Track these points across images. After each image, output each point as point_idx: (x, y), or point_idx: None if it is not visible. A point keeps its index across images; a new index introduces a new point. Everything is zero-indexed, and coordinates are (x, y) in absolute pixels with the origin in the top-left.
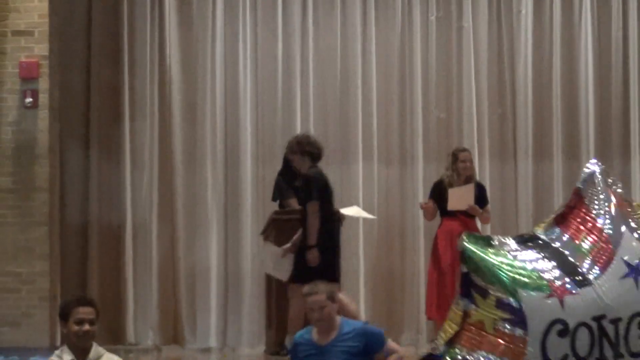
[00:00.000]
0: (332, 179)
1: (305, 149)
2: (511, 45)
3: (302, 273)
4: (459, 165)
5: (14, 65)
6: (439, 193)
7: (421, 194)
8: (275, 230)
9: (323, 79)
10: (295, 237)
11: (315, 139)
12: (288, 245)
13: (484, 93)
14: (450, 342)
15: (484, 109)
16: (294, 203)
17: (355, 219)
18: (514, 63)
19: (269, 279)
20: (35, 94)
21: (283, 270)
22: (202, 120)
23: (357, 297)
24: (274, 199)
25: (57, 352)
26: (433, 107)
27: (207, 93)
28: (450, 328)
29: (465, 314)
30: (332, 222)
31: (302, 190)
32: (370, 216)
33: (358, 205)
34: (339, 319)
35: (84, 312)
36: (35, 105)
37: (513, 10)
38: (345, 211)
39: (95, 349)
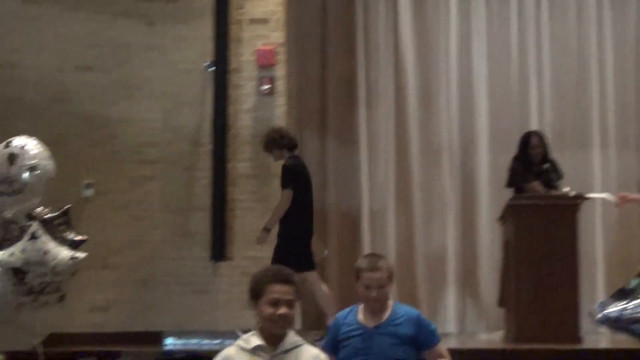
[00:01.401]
0: (569, 165)
1: (281, 143)
2: None
3: (298, 261)
4: None
5: (251, 53)
6: None
7: None
8: (513, 216)
9: (558, 65)
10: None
11: (286, 130)
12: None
13: None
14: None
15: None
16: (537, 187)
17: (592, 205)
18: None
19: (506, 266)
20: (272, 82)
21: None
22: (436, 107)
23: (593, 283)
24: (508, 185)
25: (244, 336)
26: None
27: (441, 80)
28: None
29: None
30: (308, 211)
31: (280, 179)
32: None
33: (592, 191)
34: (391, 301)
35: (282, 291)
36: (272, 92)
37: None
38: (594, 195)
39: (291, 337)
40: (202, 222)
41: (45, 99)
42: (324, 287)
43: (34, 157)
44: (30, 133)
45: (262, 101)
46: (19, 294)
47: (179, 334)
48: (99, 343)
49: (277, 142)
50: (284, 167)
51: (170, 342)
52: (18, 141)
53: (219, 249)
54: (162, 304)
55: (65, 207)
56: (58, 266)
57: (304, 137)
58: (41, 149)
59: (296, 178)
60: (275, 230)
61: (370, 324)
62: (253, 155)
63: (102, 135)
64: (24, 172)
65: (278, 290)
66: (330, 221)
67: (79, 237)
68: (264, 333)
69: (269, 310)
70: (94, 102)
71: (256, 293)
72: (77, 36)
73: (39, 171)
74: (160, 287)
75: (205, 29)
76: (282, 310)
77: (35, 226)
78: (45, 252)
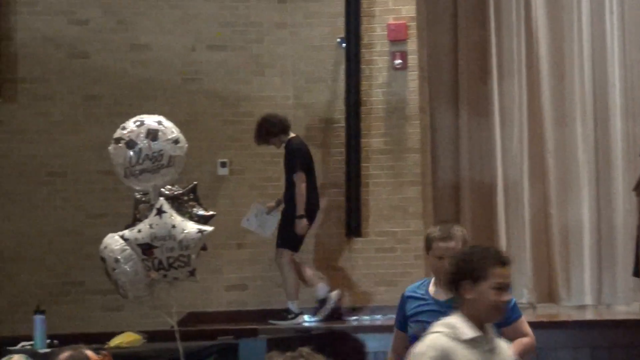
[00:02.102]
0: None
1: (275, 130)
2: None
3: (288, 239)
4: None
5: (382, 28)
6: None
7: None
8: None
9: None
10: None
11: (274, 115)
12: (272, 203)
13: None
14: None
15: None
16: None
17: None
18: None
19: None
20: (404, 56)
21: (266, 228)
22: (570, 77)
23: None
24: None
25: (447, 321)
26: None
27: (574, 50)
28: None
29: None
30: (313, 190)
31: (286, 162)
32: None
33: None
34: None
35: (506, 274)
36: (404, 66)
37: None
38: None
39: (489, 326)
40: (336, 199)
41: (178, 78)
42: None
43: (173, 130)
44: (164, 113)
45: (394, 76)
46: (149, 270)
47: (315, 311)
48: (236, 321)
49: (271, 131)
50: (288, 150)
51: (307, 320)
52: (149, 118)
53: (354, 225)
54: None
55: (192, 184)
56: (186, 240)
57: (436, 111)
58: (171, 123)
59: (301, 159)
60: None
61: (443, 297)
62: (387, 130)
63: (235, 114)
64: (170, 146)
65: (503, 274)
66: (464, 194)
67: (207, 213)
68: (472, 319)
69: (493, 296)
70: (227, 80)
71: (477, 276)
72: (209, 15)
73: (181, 143)
74: None
75: (337, 5)
76: (507, 296)
77: (161, 201)
78: (173, 226)
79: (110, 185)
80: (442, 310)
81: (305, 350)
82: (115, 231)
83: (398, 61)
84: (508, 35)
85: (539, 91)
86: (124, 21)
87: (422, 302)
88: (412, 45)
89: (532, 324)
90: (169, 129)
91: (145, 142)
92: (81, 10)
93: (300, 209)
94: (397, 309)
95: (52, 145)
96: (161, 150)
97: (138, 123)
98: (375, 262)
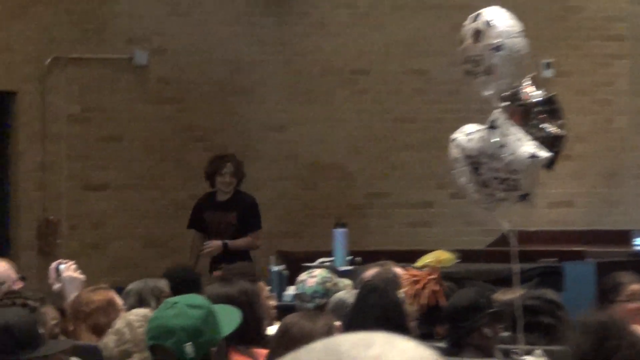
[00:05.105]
0: None
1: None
2: None
3: None
4: None
5: None
6: None
7: None
8: None
9: None
10: None
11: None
12: None
13: None
14: None
15: None
16: None
17: None
18: None
19: None
20: None
21: None
22: None
23: None
24: None
25: None
26: None
27: None
28: None
29: None
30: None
31: (251, 215)
32: None
33: None
34: None
35: None
36: None
37: None
38: None
39: None
40: None
41: None
42: None
43: (499, 35)
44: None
45: None
46: (475, 184)
47: None
48: (560, 242)
49: (243, 174)
50: (253, 204)
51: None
52: (486, 14)
53: None
54: (631, 199)
55: (550, 95)
56: (513, 163)
57: None
58: (510, 25)
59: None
60: None
61: None
62: None
63: (563, 8)
64: (488, 53)
65: None
66: None
67: (557, 132)
68: None
69: None
70: None
71: None
72: None
73: (502, 51)
74: (628, 180)
75: None
76: None
77: (496, 114)
78: (502, 145)
79: (419, 85)
80: None
81: None
82: (424, 139)
83: None
84: None
85: None
86: None
87: None
88: None
89: None
90: (496, 32)
91: (470, 42)
92: None
93: (233, 246)
94: None
95: (356, 40)
96: (481, 55)
97: (474, 17)
98: None
